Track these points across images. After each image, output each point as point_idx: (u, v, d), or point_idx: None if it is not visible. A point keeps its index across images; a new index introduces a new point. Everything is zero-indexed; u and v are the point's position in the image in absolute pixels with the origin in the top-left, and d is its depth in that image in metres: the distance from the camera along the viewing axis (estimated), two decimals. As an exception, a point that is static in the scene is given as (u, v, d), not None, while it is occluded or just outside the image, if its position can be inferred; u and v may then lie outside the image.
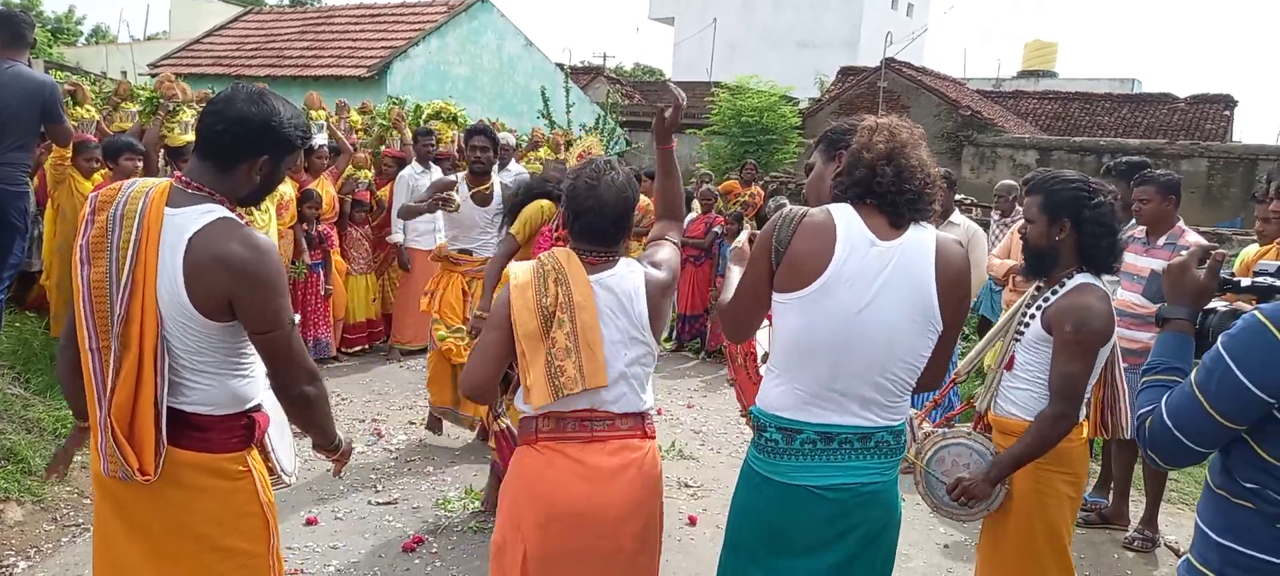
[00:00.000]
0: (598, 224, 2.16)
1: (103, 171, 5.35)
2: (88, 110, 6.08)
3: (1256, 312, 1.49)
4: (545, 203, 4.19)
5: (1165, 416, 1.58)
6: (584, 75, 22.64)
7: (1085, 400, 2.52)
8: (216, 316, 1.88)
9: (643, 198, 9.06)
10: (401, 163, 7.34)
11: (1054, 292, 2.50)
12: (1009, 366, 2.62)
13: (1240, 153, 13.31)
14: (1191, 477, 5.29)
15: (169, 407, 1.91)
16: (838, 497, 1.94)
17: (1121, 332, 2.71)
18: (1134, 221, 4.26)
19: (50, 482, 3.92)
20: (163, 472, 1.91)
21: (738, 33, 32.57)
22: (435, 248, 5.28)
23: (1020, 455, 2.45)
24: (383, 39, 14.45)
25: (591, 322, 2.10)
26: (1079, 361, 2.39)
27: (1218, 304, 1.69)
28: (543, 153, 9.30)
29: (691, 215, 8.59)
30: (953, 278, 1.95)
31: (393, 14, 15.49)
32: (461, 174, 5.07)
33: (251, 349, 1.99)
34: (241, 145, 1.92)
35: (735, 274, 2.23)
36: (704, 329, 8.33)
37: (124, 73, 13.70)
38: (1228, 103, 20.25)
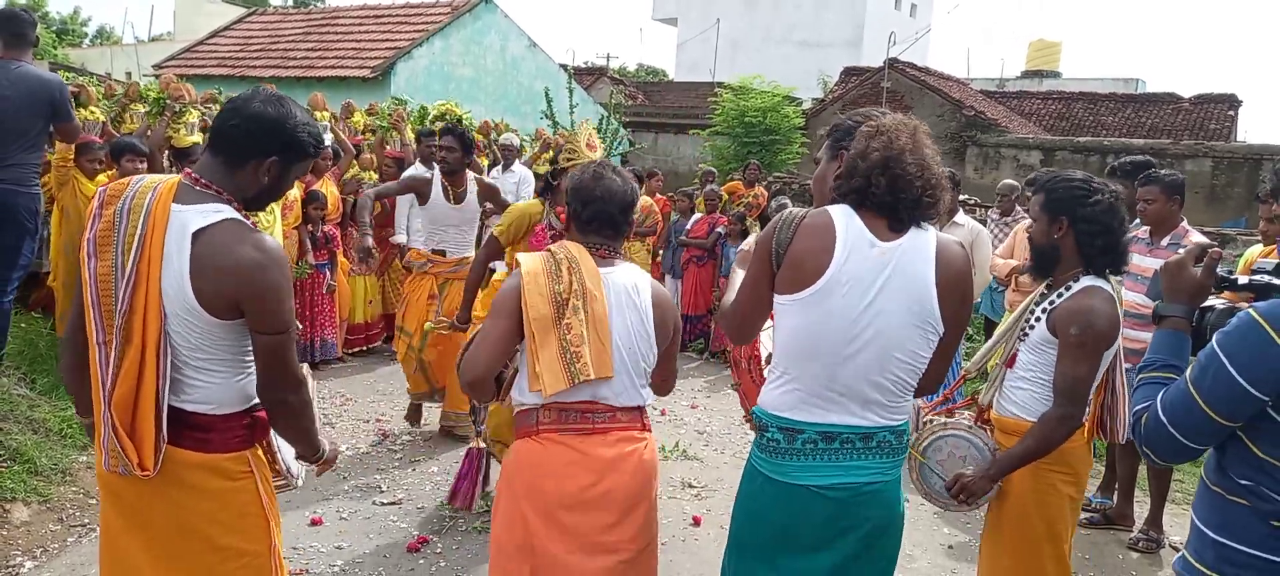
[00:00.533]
0: (607, 210, 2.25)
1: (107, 172, 5.38)
2: (92, 111, 6.11)
3: (1251, 310, 1.50)
4: (533, 204, 4.19)
5: (1161, 413, 1.59)
6: (587, 76, 22.64)
7: (1088, 402, 2.52)
8: (222, 315, 1.89)
9: (644, 198, 9.04)
10: (401, 164, 7.36)
11: (1061, 294, 2.50)
12: (1010, 364, 2.62)
13: (1245, 153, 13.28)
14: (1195, 478, 5.28)
15: (171, 406, 1.91)
16: (839, 497, 1.95)
17: (1125, 332, 2.71)
18: (1138, 222, 4.26)
19: (78, 483, 3.95)
20: (165, 471, 1.92)
21: (741, 33, 32.56)
22: (411, 253, 5.30)
23: (1022, 455, 2.45)
24: (387, 40, 14.47)
25: (602, 314, 2.17)
26: (1084, 364, 2.39)
27: (1215, 301, 1.70)
28: (551, 154, 9.31)
29: (695, 215, 8.61)
30: (953, 280, 1.96)
31: (397, 15, 15.52)
32: (433, 170, 5.12)
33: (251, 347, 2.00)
34: (253, 143, 1.93)
35: (739, 277, 2.24)
36: (707, 329, 8.34)
37: (128, 74, 13.76)
38: (1232, 102, 20.18)
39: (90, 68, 13.89)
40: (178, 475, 1.95)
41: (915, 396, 2.14)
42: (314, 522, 3.98)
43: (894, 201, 1.91)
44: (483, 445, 3.99)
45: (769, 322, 2.15)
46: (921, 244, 1.94)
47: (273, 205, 5.38)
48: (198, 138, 6.27)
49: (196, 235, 1.85)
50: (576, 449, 2.16)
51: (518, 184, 7.84)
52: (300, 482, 2.26)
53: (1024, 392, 2.56)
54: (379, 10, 16.12)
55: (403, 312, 5.18)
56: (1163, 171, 4.29)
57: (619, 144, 14.66)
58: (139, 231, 1.86)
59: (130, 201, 1.89)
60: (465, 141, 4.97)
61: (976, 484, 2.49)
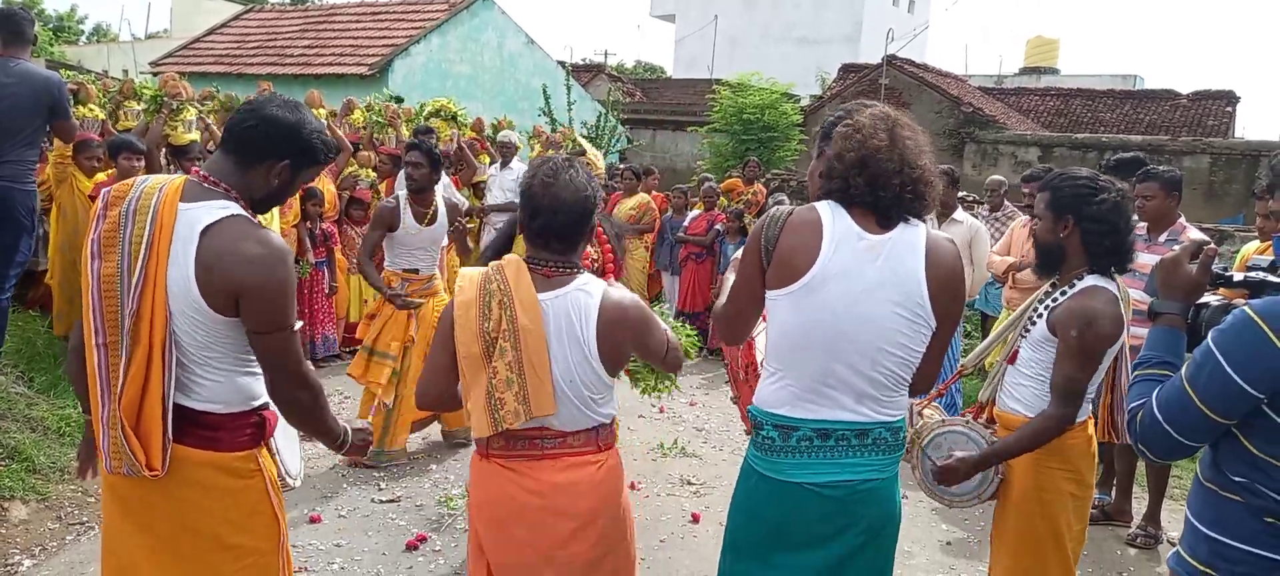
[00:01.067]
0: (554, 223, 2.06)
1: (106, 171, 5.37)
2: (92, 109, 6.10)
3: (1246, 308, 1.51)
4: None
5: (1156, 411, 1.60)
6: (585, 73, 22.63)
7: (1090, 399, 2.52)
8: (225, 311, 1.89)
9: (643, 195, 9.03)
10: (397, 160, 7.35)
11: (1063, 293, 2.49)
12: (1011, 360, 2.62)
13: (1243, 149, 13.28)
14: (1193, 473, 5.29)
15: (178, 405, 1.91)
16: (835, 494, 1.94)
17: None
18: (1136, 218, 4.26)
19: (76, 481, 3.95)
20: (173, 471, 1.92)
21: (739, 29, 32.53)
22: (385, 275, 4.80)
23: (1010, 447, 2.46)
24: (384, 37, 14.45)
25: (539, 348, 2.01)
26: (1081, 365, 2.38)
27: (1210, 298, 1.70)
28: (551, 153, 9.31)
29: (693, 212, 8.60)
30: (944, 274, 1.95)
31: (394, 12, 15.50)
32: (404, 193, 4.67)
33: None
34: (266, 144, 1.95)
35: (731, 279, 2.24)
36: (705, 327, 8.34)
37: (125, 71, 13.72)
38: (1230, 99, 20.20)
39: (87, 65, 13.87)
40: (187, 474, 1.95)
41: (909, 394, 2.15)
42: (313, 520, 3.98)
43: (874, 199, 1.91)
44: None
45: (762, 326, 2.15)
46: (911, 237, 1.94)
47: (271, 203, 5.42)
48: (195, 135, 6.27)
49: (205, 232, 1.86)
50: (523, 474, 2.08)
51: (517, 182, 7.83)
52: (298, 483, 2.27)
53: (1026, 389, 2.55)
54: (376, 7, 16.10)
55: (377, 334, 4.66)
56: (1161, 168, 4.29)
57: (617, 141, 14.66)
58: (146, 233, 1.86)
59: (136, 203, 1.89)
60: (433, 158, 4.61)
61: (959, 470, 2.48)
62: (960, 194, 6.69)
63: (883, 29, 25.15)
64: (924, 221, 1.99)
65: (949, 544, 4.23)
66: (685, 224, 8.50)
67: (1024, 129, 17.03)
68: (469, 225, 5.07)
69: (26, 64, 4.49)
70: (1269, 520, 1.53)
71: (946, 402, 5.36)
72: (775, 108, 14.18)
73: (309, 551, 3.70)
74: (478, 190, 8.09)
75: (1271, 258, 1.70)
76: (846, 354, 1.91)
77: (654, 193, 9.21)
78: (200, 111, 6.45)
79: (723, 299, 2.16)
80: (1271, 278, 1.64)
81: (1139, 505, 4.53)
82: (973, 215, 6.46)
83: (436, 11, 14.70)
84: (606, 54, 29.12)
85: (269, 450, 2.12)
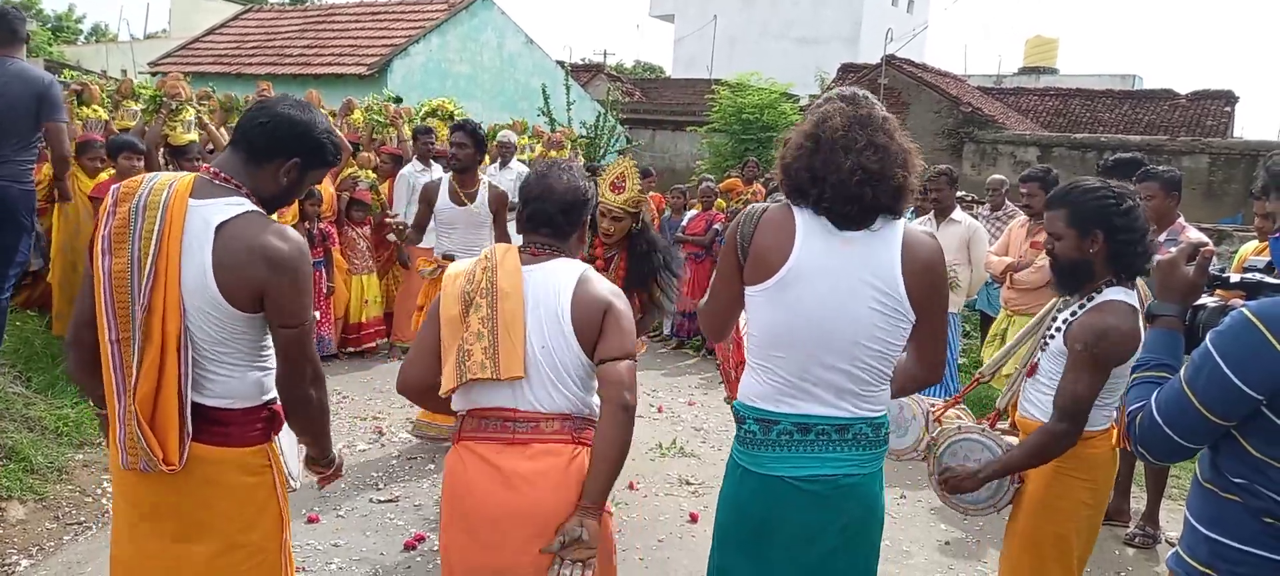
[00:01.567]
0: (544, 209, 2.16)
1: (108, 171, 5.37)
2: (95, 110, 6.11)
3: (1244, 310, 1.51)
4: None
5: (1155, 413, 1.59)
6: (584, 72, 22.64)
7: (1114, 407, 2.44)
8: (244, 306, 1.91)
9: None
10: (399, 160, 7.35)
11: (1083, 306, 2.42)
12: (1031, 373, 2.57)
13: (1242, 149, 13.29)
14: (1191, 473, 5.29)
15: (192, 402, 1.92)
16: (816, 489, 1.95)
17: None
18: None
19: (73, 481, 3.95)
20: (187, 466, 1.92)
21: (738, 29, 32.53)
22: (419, 260, 4.97)
23: (1011, 463, 2.43)
24: (383, 37, 14.45)
25: (515, 310, 2.05)
26: (1085, 380, 2.31)
27: (1207, 299, 1.70)
28: (554, 153, 9.32)
29: (691, 212, 8.61)
30: (921, 267, 1.93)
31: (393, 12, 15.50)
32: (447, 175, 4.89)
33: (270, 340, 2.01)
34: (277, 143, 1.97)
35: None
36: (705, 326, 8.34)
37: (124, 71, 13.73)
38: (1229, 99, 20.21)
39: (85, 65, 13.88)
40: (200, 471, 1.95)
41: (918, 388, 2.14)
42: (310, 520, 3.98)
43: (830, 207, 1.90)
44: None
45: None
46: (887, 232, 1.93)
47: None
48: (194, 135, 6.27)
49: (220, 228, 1.87)
50: (490, 461, 2.05)
51: (516, 181, 7.84)
52: (299, 485, 2.27)
53: (1045, 397, 2.49)
54: (375, 7, 16.10)
55: (413, 323, 4.80)
56: (1161, 167, 4.30)
57: (616, 141, 14.66)
58: (157, 228, 1.87)
59: (146, 198, 1.90)
60: (478, 138, 4.74)
61: (960, 479, 2.47)
62: (959, 194, 6.70)
63: (882, 29, 25.17)
64: (902, 217, 1.97)
65: (947, 544, 4.24)
66: (683, 224, 8.51)
67: (1023, 129, 17.04)
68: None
69: (20, 63, 4.49)
70: (1268, 520, 1.53)
71: (938, 388, 5.34)
72: (774, 107, 14.19)
73: (306, 551, 3.70)
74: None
75: (1268, 259, 1.70)
76: (824, 349, 1.91)
77: (652, 193, 9.22)
78: (198, 111, 6.45)
79: (706, 297, 2.16)
80: (1268, 279, 1.64)
81: (1137, 505, 4.53)
82: (971, 215, 6.47)
83: (436, 11, 14.70)
84: (605, 54, 29.17)
85: (275, 448, 2.13)
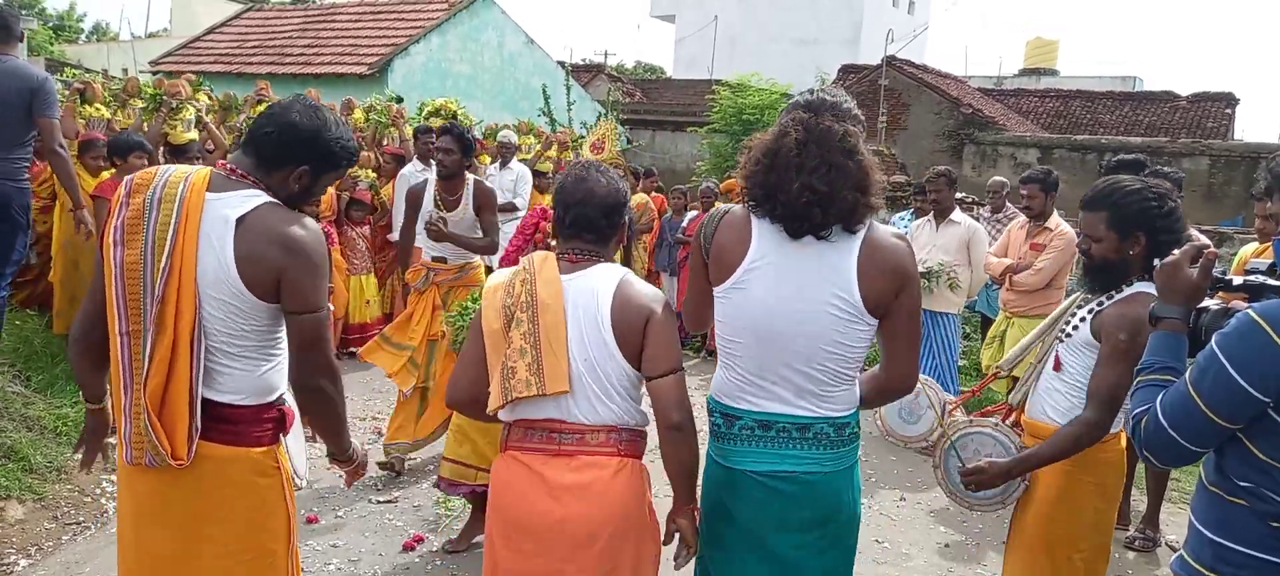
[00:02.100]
0: (587, 214, 2.10)
1: (109, 170, 5.37)
2: (98, 109, 6.11)
3: (1249, 311, 1.50)
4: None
5: (1160, 416, 1.58)
6: (585, 73, 22.62)
7: (1120, 409, 2.41)
8: (265, 296, 1.91)
9: (641, 195, 9.02)
10: (401, 160, 7.34)
11: (1109, 298, 2.40)
12: (1057, 367, 2.52)
13: (1242, 151, 13.29)
14: (1193, 477, 5.29)
15: (202, 398, 1.92)
16: (776, 485, 1.98)
17: None
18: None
19: (72, 481, 3.94)
20: (194, 465, 1.92)
21: (739, 29, 32.50)
22: (409, 272, 4.68)
23: (1043, 455, 2.39)
24: (384, 37, 14.45)
25: (556, 322, 2.01)
26: (1126, 371, 2.26)
27: (1209, 302, 1.69)
28: (553, 151, 9.30)
29: (692, 213, 8.60)
30: (881, 270, 1.92)
31: (394, 11, 15.50)
32: (430, 176, 4.58)
33: (282, 336, 2.01)
34: (286, 151, 1.97)
35: None
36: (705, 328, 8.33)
37: (125, 70, 13.71)
38: (1229, 100, 20.21)
39: (86, 64, 13.87)
40: (208, 469, 1.94)
41: (891, 397, 2.14)
42: (309, 520, 3.97)
43: (783, 221, 1.92)
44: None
45: None
46: (843, 238, 1.93)
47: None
48: (194, 134, 6.27)
49: (241, 220, 1.88)
50: (536, 471, 2.04)
51: (516, 181, 7.83)
52: (304, 484, 2.26)
53: (1061, 397, 2.47)
54: (376, 6, 16.10)
55: (399, 326, 4.59)
56: (1168, 169, 4.29)
57: (617, 141, 14.64)
58: (173, 221, 1.87)
59: (161, 190, 1.89)
60: (465, 143, 4.47)
61: (990, 476, 2.44)
62: (959, 195, 6.70)
63: (882, 30, 25.14)
64: (858, 231, 1.93)
65: (947, 546, 4.23)
66: (684, 225, 8.50)
67: (1023, 130, 17.03)
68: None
69: (14, 60, 4.49)
70: (1274, 524, 1.52)
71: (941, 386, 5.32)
72: (775, 108, 14.15)
73: (305, 552, 3.69)
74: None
75: (1270, 260, 1.69)
76: (780, 350, 1.94)
77: (653, 194, 9.22)
78: (198, 110, 6.45)
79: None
80: (1271, 281, 1.63)
81: (1138, 507, 4.53)
82: (972, 216, 6.46)
83: (436, 10, 14.70)
84: (606, 54, 29.11)
85: (283, 449, 2.13)
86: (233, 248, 1.87)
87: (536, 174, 8.24)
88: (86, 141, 5.55)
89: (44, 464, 4.06)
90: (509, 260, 4.07)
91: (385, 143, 7.82)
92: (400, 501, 4.30)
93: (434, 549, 3.82)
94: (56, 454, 4.18)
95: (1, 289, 4.54)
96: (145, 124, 6.08)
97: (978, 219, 6.50)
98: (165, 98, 6.09)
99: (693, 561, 2.17)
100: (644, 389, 2.12)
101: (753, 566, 2.04)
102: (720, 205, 2.09)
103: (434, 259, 4.55)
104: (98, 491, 4.04)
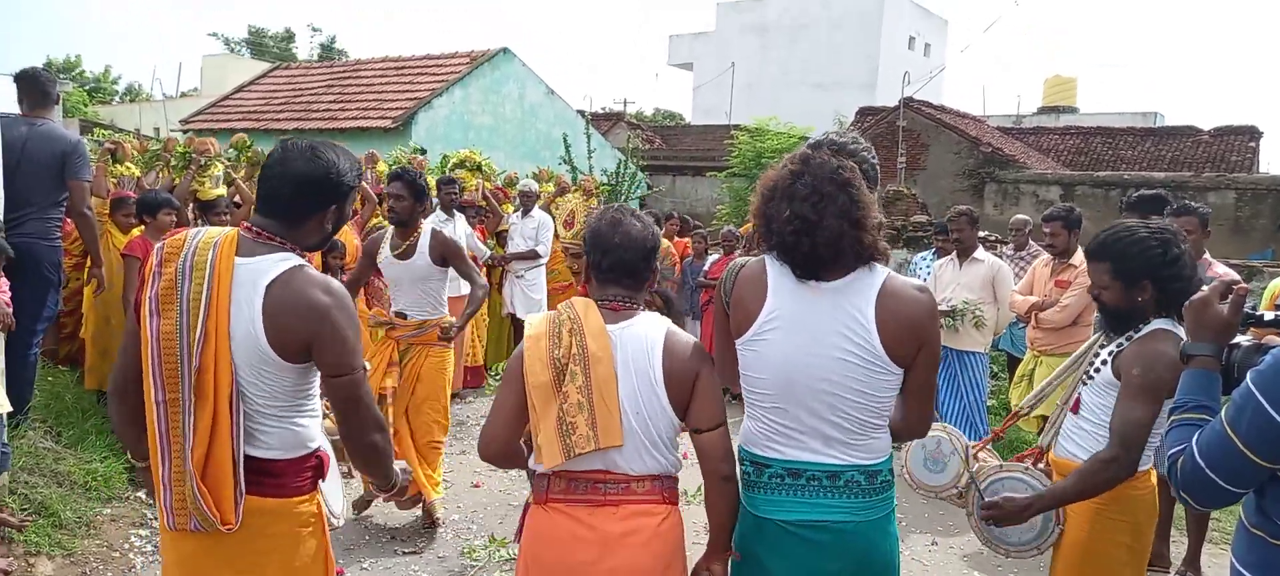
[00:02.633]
0: (626, 258, 2.09)
1: (139, 227, 5.48)
2: (128, 167, 6.25)
3: (1285, 348, 1.47)
4: None
5: (1197, 457, 1.55)
6: (605, 121, 22.89)
7: (1142, 447, 2.38)
8: (294, 359, 1.93)
9: (663, 241, 9.05)
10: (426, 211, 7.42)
11: (1129, 337, 2.40)
12: (1074, 409, 2.52)
13: (1268, 184, 13.14)
14: (1234, 516, 5.14)
15: (247, 456, 1.94)
16: (806, 534, 1.95)
17: None
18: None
19: (101, 537, 3.96)
20: (240, 521, 1.93)
21: (756, 76, 32.83)
22: (375, 310, 4.60)
23: (1063, 493, 2.36)
24: (407, 91, 14.73)
25: (607, 376, 2.00)
26: (1142, 407, 2.26)
27: (1240, 338, 1.67)
28: (573, 197, 9.38)
29: (713, 257, 8.61)
30: (899, 318, 1.90)
31: (417, 66, 15.81)
32: (388, 228, 4.41)
33: (315, 388, 2.04)
34: (310, 203, 2.00)
35: None
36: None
37: (156, 129, 14.08)
38: (1253, 134, 20.04)
39: (119, 123, 14.24)
40: (253, 522, 1.96)
41: (902, 438, 2.12)
42: (337, 574, 3.95)
43: (779, 256, 1.94)
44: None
45: None
46: (864, 283, 1.92)
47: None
48: (222, 190, 6.40)
49: (269, 285, 1.90)
50: (583, 522, 2.02)
51: (537, 229, 7.90)
52: (341, 523, 2.27)
53: (1086, 435, 2.46)
54: (400, 62, 16.43)
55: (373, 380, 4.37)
56: (1193, 204, 4.27)
57: (637, 187, 14.75)
58: (206, 289, 1.89)
59: (192, 258, 1.92)
60: (416, 188, 4.29)
61: (1007, 512, 2.40)
62: (981, 234, 6.66)
63: (898, 72, 25.28)
64: (875, 267, 1.94)
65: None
66: (705, 268, 8.51)
67: (1044, 168, 16.96)
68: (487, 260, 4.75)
69: (49, 124, 4.62)
70: (1318, 567, 1.48)
71: (968, 430, 5.24)
72: (793, 151, 14.25)
73: None
74: (501, 239, 8.18)
75: (1303, 295, 1.66)
76: (803, 399, 1.93)
77: (676, 238, 9.23)
78: (226, 166, 6.59)
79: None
80: (1304, 316, 1.60)
81: (1178, 549, 4.40)
82: (995, 254, 6.42)
83: (458, 65, 14.98)
84: (625, 102, 29.35)
85: (320, 495, 2.14)
86: (262, 313, 1.89)
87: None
88: (117, 199, 5.68)
89: (73, 519, 4.09)
90: None
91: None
92: (425, 553, 4.27)
93: (433, 551, 3.78)
94: (86, 509, 4.21)
95: (34, 347, 4.62)
96: (175, 181, 6.22)
97: (1001, 257, 6.44)
98: (194, 155, 6.23)
99: None
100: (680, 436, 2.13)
101: None
102: (738, 259, 2.09)
103: (396, 313, 4.38)
104: (126, 546, 4.05)
